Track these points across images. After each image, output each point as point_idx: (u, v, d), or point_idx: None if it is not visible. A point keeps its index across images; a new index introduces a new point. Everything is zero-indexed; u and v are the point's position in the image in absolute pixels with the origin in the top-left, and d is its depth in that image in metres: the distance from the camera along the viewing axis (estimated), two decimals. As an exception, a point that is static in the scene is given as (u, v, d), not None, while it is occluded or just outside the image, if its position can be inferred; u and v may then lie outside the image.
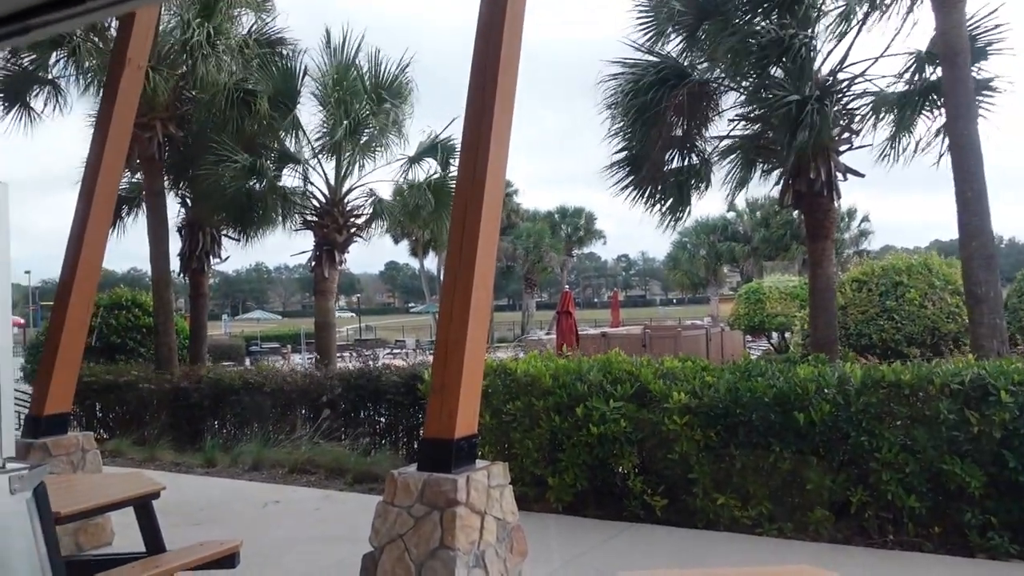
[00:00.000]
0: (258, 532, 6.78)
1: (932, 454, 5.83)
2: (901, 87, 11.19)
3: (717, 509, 6.52)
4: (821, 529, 6.19)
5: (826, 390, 6.21)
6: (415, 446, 9.88)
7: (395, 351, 34.28)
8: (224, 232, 15.73)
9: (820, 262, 11.28)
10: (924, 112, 11.11)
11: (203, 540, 4.96)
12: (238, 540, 4.77)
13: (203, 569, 4.61)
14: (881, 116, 11.38)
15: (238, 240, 15.43)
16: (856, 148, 11.69)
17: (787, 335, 24.64)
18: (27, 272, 62.91)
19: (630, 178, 12.23)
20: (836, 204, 11.61)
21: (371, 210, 15.52)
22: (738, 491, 6.47)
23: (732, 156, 12.17)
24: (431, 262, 64.80)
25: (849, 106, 11.58)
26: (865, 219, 51.54)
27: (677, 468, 6.69)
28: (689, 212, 12.55)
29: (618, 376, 7.10)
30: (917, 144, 11.42)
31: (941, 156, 10.81)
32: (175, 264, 14.99)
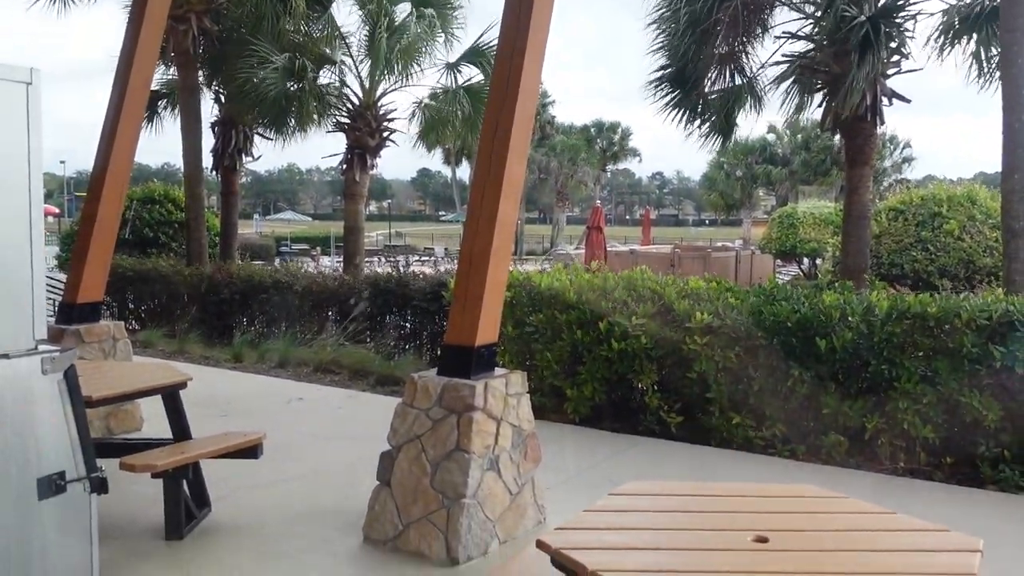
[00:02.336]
0: (282, 426, 6.98)
1: (952, 386, 5.83)
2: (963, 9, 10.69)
3: (732, 428, 6.60)
4: (833, 453, 6.26)
5: (850, 318, 6.18)
6: (438, 353, 10.03)
7: (424, 258, 34.47)
8: (257, 131, 15.70)
9: (857, 188, 11.07)
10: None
11: (228, 431, 5.13)
12: (262, 433, 4.93)
13: (227, 458, 4.78)
14: (956, 37, 10.79)
15: (271, 139, 15.41)
16: (905, 72, 11.28)
17: (818, 261, 24.40)
18: (62, 162, 63.40)
19: (674, 96, 11.91)
20: (880, 130, 11.27)
21: (406, 116, 15.38)
22: (754, 412, 6.54)
23: (784, 77, 11.72)
24: (464, 171, 64.64)
25: (903, 27, 11.10)
26: (907, 145, 50.27)
27: (695, 387, 6.76)
28: (735, 133, 12.27)
29: (642, 294, 7.12)
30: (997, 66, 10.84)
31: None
32: (207, 161, 15.03)
